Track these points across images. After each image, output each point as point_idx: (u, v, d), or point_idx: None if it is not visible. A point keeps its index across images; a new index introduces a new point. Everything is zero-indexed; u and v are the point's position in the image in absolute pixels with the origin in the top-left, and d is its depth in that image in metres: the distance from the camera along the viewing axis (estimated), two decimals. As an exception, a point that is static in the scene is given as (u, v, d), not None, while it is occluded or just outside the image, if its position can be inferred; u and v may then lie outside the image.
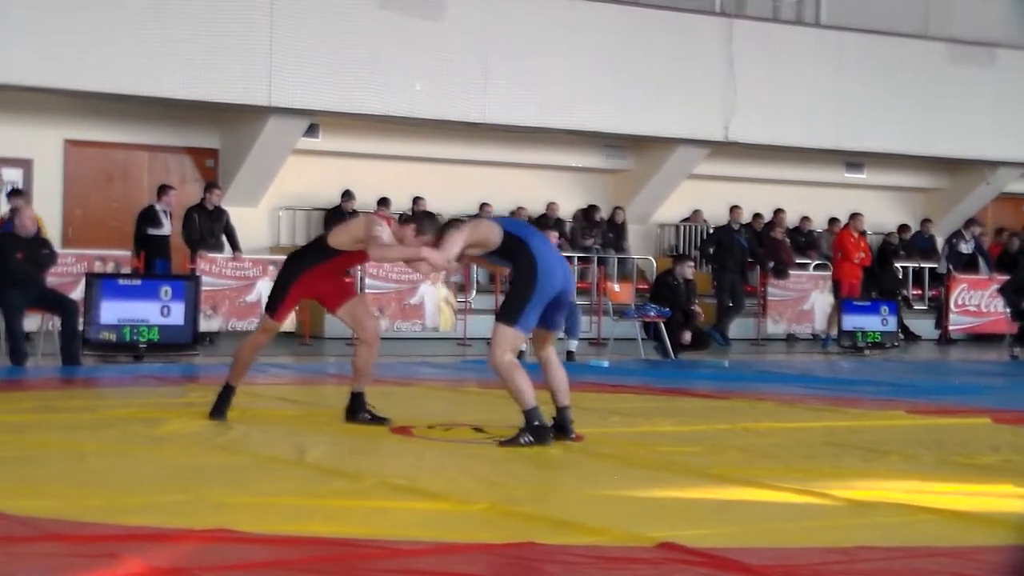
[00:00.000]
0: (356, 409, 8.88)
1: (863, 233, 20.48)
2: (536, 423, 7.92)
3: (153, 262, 16.64)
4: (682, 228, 22.45)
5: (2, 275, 13.01)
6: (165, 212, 17.07)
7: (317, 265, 8.63)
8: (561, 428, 8.20)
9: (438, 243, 8.12)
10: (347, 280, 9.00)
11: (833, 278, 20.11)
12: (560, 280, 8.01)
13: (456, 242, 8.03)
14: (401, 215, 8.81)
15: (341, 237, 8.55)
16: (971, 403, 11.43)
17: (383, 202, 19.51)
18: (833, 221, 22.21)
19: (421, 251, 8.13)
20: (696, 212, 22.46)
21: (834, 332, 19.07)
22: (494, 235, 8.07)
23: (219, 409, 8.84)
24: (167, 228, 17.06)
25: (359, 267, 18.30)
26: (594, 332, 18.75)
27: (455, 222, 8.39)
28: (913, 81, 22.49)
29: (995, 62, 23.17)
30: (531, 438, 7.89)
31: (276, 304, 8.69)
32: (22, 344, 13.02)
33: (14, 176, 18.00)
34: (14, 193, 16.00)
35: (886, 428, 9.59)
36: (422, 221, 8.37)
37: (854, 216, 20.49)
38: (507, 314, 7.98)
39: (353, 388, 8.93)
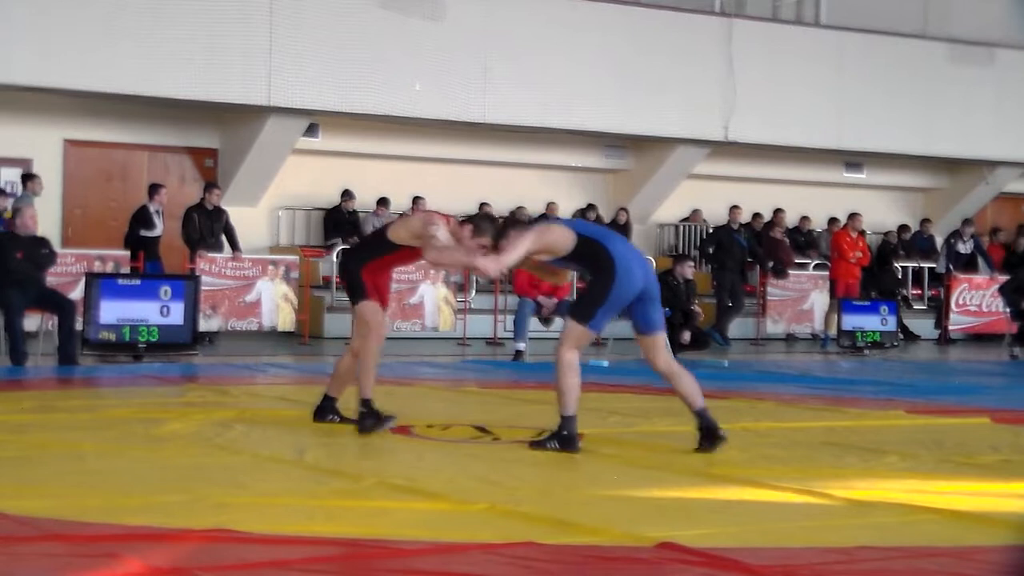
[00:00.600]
0: (326, 410, 8.80)
1: (861, 233, 20.48)
2: (566, 432, 7.78)
3: (145, 264, 16.62)
4: (681, 228, 22.44)
5: (2, 274, 13.00)
6: (158, 212, 17.04)
7: (375, 259, 8.55)
8: (709, 431, 7.91)
9: (497, 245, 7.89)
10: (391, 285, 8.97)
11: (831, 277, 20.11)
12: (640, 280, 7.76)
13: (517, 250, 7.76)
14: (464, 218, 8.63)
15: (400, 232, 8.45)
16: (970, 403, 11.43)
17: (382, 202, 19.53)
18: (833, 221, 22.22)
19: (476, 260, 7.92)
20: (695, 212, 22.46)
21: (832, 332, 19.07)
22: (566, 240, 7.80)
23: (373, 420, 8.39)
24: (159, 229, 17.03)
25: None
26: (594, 332, 18.72)
27: (517, 223, 8.19)
28: (913, 81, 22.50)
29: (995, 62, 23.17)
30: (557, 445, 7.76)
31: (362, 291, 8.48)
32: (22, 344, 13.01)
33: (13, 176, 17.99)
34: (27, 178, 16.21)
35: (886, 428, 9.59)
36: (480, 223, 8.17)
37: (852, 216, 20.49)
38: (581, 312, 7.80)
39: (328, 391, 8.86)
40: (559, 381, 7.82)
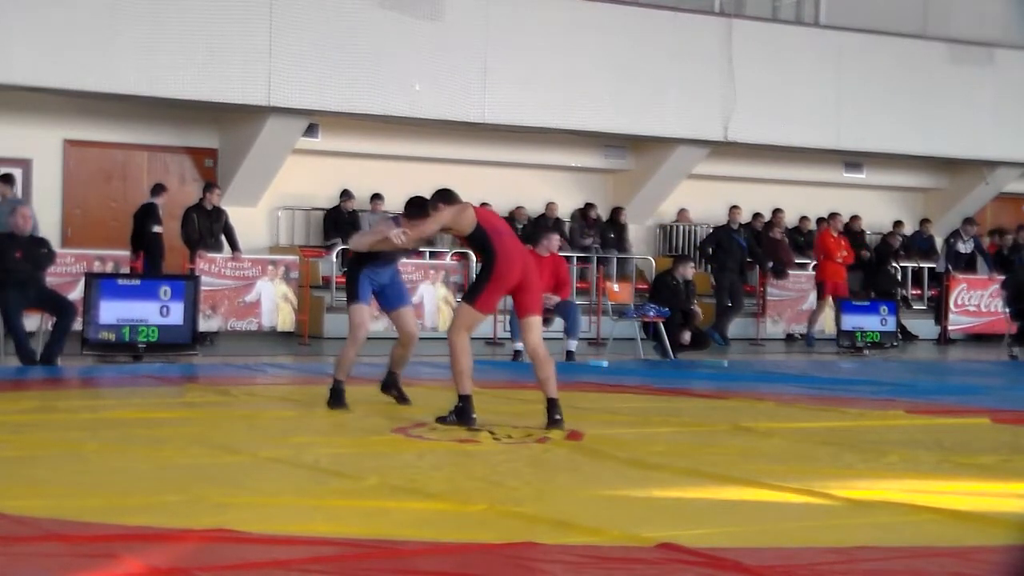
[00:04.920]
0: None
1: (843, 232, 20.38)
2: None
3: (157, 261, 16.61)
4: (681, 228, 22.44)
5: (1, 275, 12.99)
6: (162, 209, 17.08)
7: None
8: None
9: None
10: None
11: (817, 279, 19.95)
12: None
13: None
14: None
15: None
16: (970, 403, 11.43)
17: (376, 197, 19.56)
18: (820, 221, 22.22)
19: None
20: (682, 211, 22.39)
21: (816, 331, 19.14)
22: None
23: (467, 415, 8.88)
24: (161, 227, 17.07)
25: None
26: (593, 332, 18.75)
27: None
28: (912, 81, 22.50)
29: (994, 62, 23.17)
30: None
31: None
32: (27, 343, 12.99)
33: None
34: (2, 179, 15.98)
35: (886, 428, 9.59)
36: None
37: (832, 215, 20.42)
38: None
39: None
40: None
